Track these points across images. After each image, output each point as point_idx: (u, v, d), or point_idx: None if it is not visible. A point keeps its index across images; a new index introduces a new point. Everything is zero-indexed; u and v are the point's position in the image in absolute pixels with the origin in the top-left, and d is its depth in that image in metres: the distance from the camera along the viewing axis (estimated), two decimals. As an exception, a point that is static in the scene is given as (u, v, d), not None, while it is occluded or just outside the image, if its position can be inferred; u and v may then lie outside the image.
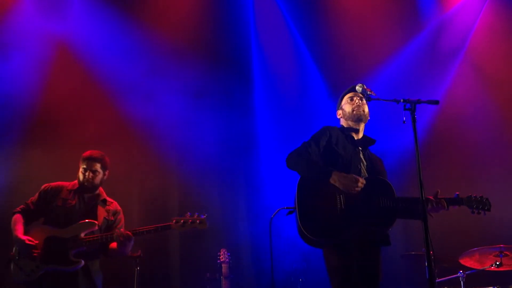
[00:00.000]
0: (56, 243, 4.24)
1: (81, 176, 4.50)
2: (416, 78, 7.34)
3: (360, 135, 4.12)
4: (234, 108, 7.07)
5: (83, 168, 4.50)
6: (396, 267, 6.23)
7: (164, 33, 7.00)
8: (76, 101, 6.50)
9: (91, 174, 4.48)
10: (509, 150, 7.06)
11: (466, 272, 5.29)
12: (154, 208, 6.46)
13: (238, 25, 7.47)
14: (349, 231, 3.64)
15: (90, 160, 4.50)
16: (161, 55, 6.90)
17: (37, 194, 4.53)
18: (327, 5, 7.66)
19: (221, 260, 5.74)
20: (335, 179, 3.68)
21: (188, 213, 4.40)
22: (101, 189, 4.63)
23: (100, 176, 4.54)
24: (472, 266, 5.39)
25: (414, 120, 3.40)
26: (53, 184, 4.56)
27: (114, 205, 4.62)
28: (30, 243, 4.19)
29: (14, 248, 4.28)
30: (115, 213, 4.57)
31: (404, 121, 3.45)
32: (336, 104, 4.34)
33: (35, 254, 4.19)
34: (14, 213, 4.44)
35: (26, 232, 4.31)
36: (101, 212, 4.48)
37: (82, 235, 4.28)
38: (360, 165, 3.94)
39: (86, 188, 4.51)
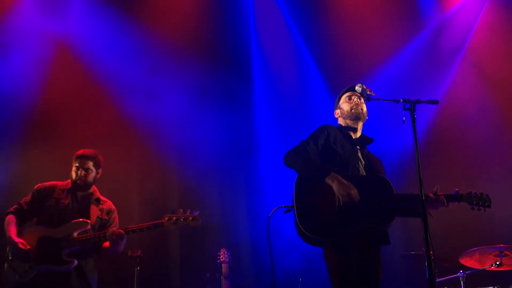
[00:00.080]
0: (49, 243, 4.23)
1: (73, 175, 4.50)
2: (416, 78, 7.34)
3: (358, 134, 4.13)
4: (234, 108, 7.07)
5: (76, 166, 4.50)
6: (396, 267, 6.23)
7: (164, 33, 7.00)
8: (76, 101, 6.50)
9: (83, 172, 4.48)
10: (509, 150, 7.06)
11: (466, 272, 5.29)
12: (154, 208, 6.45)
13: (238, 25, 7.47)
14: (347, 229, 3.63)
15: (82, 158, 4.50)
16: (161, 55, 6.90)
17: (30, 194, 4.52)
18: (327, 5, 7.66)
19: (221, 260, 5.74)
20: (332, 180, 3.67)
21: (180, 209, 4.39)
22: (94, 187, 4.61)
23: (93, 174, 4.53)
24: (472, 266, 5.39)
25: (413, 120, 3.40)
26: (46, 184, 4.56)
27: (108, 204, 4.60)
28: (23, 247, 4.18)
29: (7, 248, 4.28)
30: (109, 212, 4.55)
31: (403, 121, 3.45)
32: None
33: (28, 256, 4.17)
34: (7, 214, 4.44)
35: (19, 233, 4.30)
36: (94, 211, 4.47)
37: (75, 234, 4.27)
38: (358, 164, 3.94)
39: (79, 187, 4.50)
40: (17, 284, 4.19)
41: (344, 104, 4.15)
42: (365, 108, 4.13)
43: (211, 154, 6.83)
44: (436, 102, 3.55)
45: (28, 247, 4.20)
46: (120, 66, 6.75)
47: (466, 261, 5.42)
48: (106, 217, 4.52)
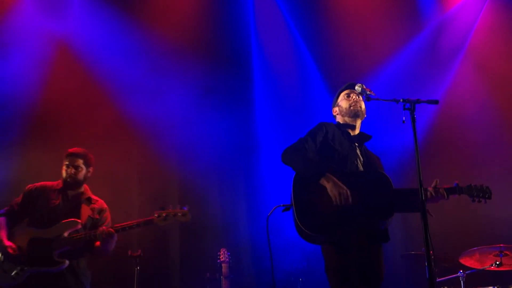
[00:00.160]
0: (40, 244, 4.22)
1: (64, 173, 4.49)
2: (416, 78, 7.34)
3: (357, 131, 4.12)
4: (234, 108, 7.07)
5: (66, 164, 4.50)
6: (396, 267, 6.23)
7: (164, 33, 7.00)
8: (76, 101, 6.50)
9: (73, 170, 4.47)
10: (509, 150, 7.06)
11: (466, 272, 5.28)
12: (154, 208, 6.42)
13: (238, 25, 7.47)
14: (346, 226, 3.61)
15: (72, 156, 4.51)
16: (161, 55, 6.90)
17: (21, 195, 4.52)
18: (327, 5, 7.66)
19: (221, 260, 5.74)
20: (327, 181, 3.64)
21: (170, 205, 4.37)
22: (86, 187, 4.60)
23: (83, 172, 4.52)
24: (472, 266, 5.39)
25: (413, 120, 3.39)
26: (37, 184, 4.56)
27: (100, 203, 4.59)
28: (12, 251, 4.16)
29: None
30: (100, 211, 4.54)
31: (403, 121, 3.44)
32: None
33: (19, 259, 4.16)
34: None
35: (11, 235, 4.28)
36: (85, 211, 4.46)
37: (66, 234, 4.25)
38: (357, 161, 3.93)
39: (69, 185, 4.49)
40: (9, 286, 4.17)
41: (343, 102, 4.15)
42: (363, 106, 4.12)
43: (211, 154, 6.83)
44: (436, 102, 3.54)
45: (18, 252, 4.18)
46: (120, 66, 6.75)
47: (466, 261, 5.41)
48: (98, 216, 4.50)
